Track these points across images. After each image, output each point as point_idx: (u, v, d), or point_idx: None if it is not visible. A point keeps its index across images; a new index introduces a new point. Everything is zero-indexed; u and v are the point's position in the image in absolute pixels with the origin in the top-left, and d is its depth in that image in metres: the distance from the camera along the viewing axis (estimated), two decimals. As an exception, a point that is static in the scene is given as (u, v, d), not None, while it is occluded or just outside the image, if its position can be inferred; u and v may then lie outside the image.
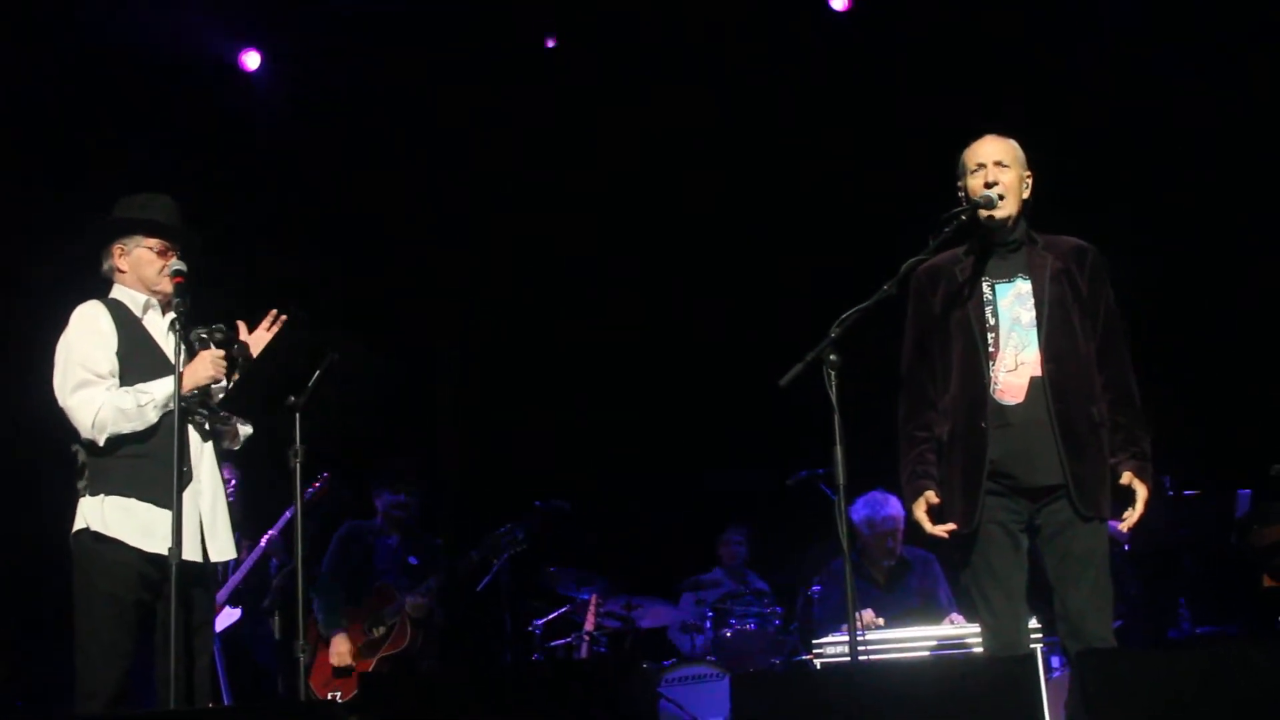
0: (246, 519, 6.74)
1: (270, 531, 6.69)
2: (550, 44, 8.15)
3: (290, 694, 6.57)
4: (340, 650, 6.54)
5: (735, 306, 8.23)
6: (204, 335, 4.49)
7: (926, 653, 5.79)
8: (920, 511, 4.33)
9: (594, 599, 7.19)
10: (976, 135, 4.41)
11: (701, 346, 8.30)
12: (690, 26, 7.83)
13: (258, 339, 4.66)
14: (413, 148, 8.10)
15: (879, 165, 7.63)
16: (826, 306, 4.24)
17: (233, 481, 6.45)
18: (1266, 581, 5.79)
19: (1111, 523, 4.29)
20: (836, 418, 4.09)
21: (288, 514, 6.56)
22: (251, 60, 8.18)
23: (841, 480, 4.13)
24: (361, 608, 6.66)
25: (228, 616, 6.70)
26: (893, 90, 7.77)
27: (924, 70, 7.70)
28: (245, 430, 4.69)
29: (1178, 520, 6.69)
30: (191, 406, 4.43)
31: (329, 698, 6.41)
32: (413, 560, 6.81)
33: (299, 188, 7.96)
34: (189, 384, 4.40)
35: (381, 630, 6.59)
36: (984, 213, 4.28)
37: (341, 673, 6.54)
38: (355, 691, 6.30)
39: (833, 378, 4.09)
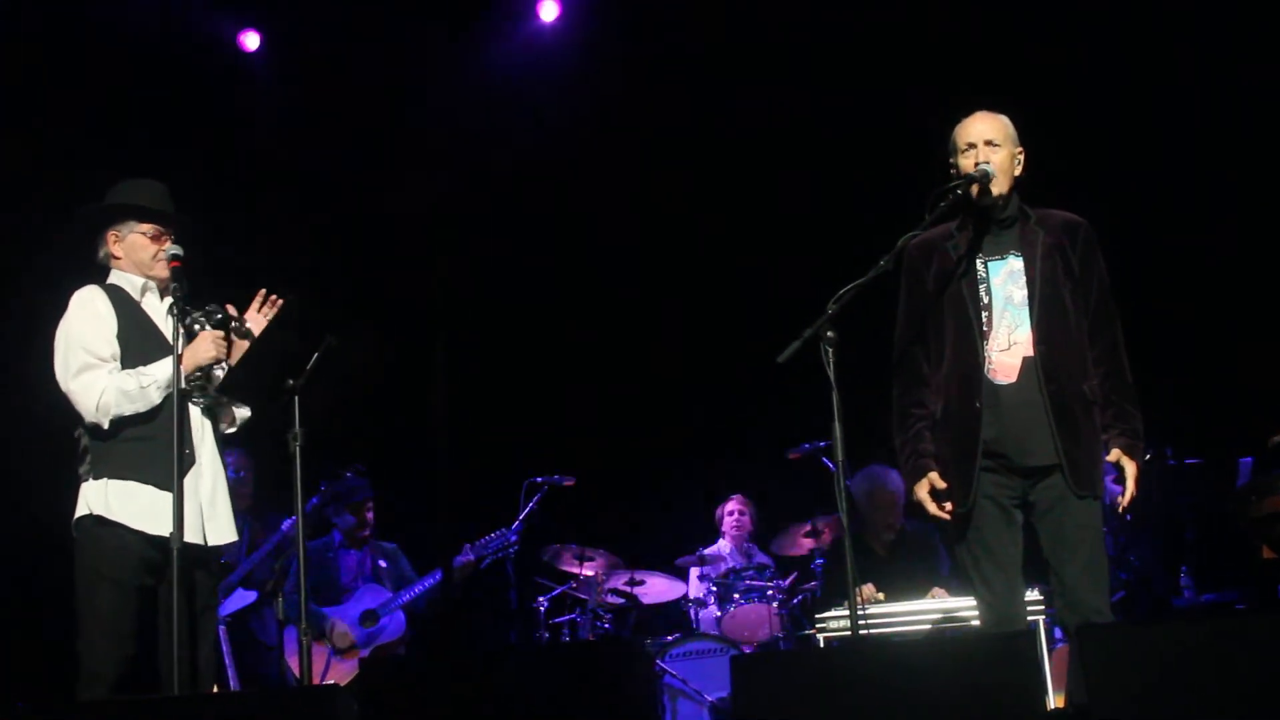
0: (263, 505, 6.77)
1: (293, 519, 6.70)
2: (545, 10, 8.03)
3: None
4: (340, 632, 6.67)
5: (736, 280, 8.19)
6: (202, 317, 4.48)
7: (927, 627, 5.80)
8: (923, 493, 4.31)
9: (597, 575, 7.21)
10: (968, 110, 4.37)
11: (703, 318, 8.27)
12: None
13: (253, 321, 4.64)
14: (411, 134, 8.03)
15: (878, 140, 7.56)
16: (827, 279, 4.22)
17: (243, 473, 6.49)
18: (1266, 553, 5.77)
19: (1112, 486, 4.29)
20: (835, 395, 4.09)
21: (315, 500, 6.69)
22: (251, 41, 8.03)
23: (841, 457, 4.13)
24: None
25: (241, 598, 6.71)
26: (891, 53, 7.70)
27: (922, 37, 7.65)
28: (242, 413, 4.69)
29: (1179, 489, 6.68)
30: (192, 389, 4.43)
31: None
32: (383, 564, 7.01)
33: (294, 173, 7.90)
34: (190, 365, 4.41)
35: (375, 623, 6.73)
36: (976, 189, 4.24)
37: (343, 654, 6.64)
38: (355, 675, 6.36)
39: (830, 354, 4.08)
